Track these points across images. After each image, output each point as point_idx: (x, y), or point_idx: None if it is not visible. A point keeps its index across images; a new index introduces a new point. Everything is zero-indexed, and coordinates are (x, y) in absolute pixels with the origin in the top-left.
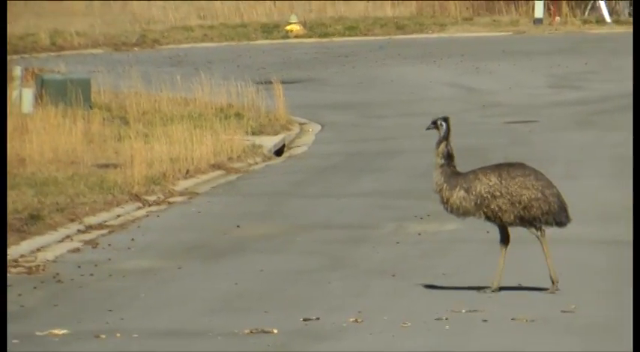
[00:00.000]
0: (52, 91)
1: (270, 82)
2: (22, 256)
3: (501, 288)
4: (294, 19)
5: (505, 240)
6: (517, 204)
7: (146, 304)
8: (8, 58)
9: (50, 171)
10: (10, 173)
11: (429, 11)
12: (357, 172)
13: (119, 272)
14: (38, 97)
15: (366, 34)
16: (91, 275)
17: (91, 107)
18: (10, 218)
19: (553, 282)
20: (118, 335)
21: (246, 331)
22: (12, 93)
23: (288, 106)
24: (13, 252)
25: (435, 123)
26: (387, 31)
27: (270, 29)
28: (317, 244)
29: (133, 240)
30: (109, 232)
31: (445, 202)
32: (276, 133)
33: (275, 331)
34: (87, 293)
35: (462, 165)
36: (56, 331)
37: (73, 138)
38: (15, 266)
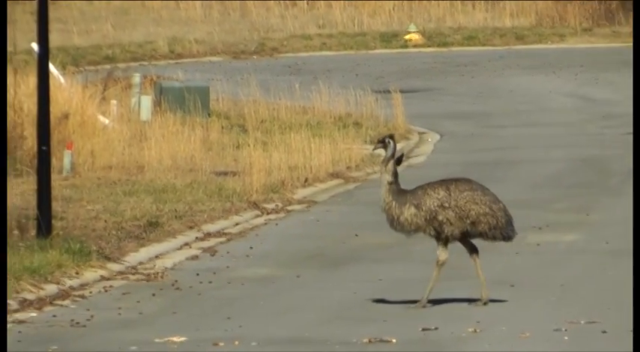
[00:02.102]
0: (170, 99)
1: (389, 91)
2: (140, 263)
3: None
4: (413, 28)
5: (473, 251)
6: (465, 219)
7: (265, 312)
8: (127, 65)
9: (169, 178)
10: (129, 180)
11: (548, 22)
12: None
13: (238, 280)
14: (156, 105)
15: (485, 44)
16: (210, 282)
17: (209, 115)
18: (129, 225)
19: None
20: (237, 342)
21: (365, 340)
22: (130, 101)
23: (406, 116)
24: (131, 259)
25: (383, 141)
26: (506, 41)
27: (389, 38)
28: (435, 254)
29: (251, 248)
30: (228, 240)
31: (395, 219)
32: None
33: (394, 340)
34: (205, 300)
35: (581, 176)
36: (175, 338)
37: (192, 145)
38: (134, 274)
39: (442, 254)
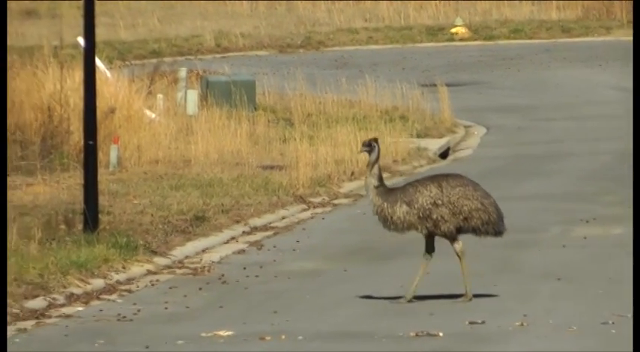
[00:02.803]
0: (216, 93)
1: (435, 85)
2: (187, 258)
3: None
4: (459, 21)
5: (431, 250)
6: (458, 215)
7: (311, 306)
8: (173, 59)
9: (215, 172)
10: (176, 174)
11: (594, 14)
12: (523, 175)
13: (284, 274)
14: (203, 99)
15: (531, 37)
16: (256, 276)
17: (255, 109)
18: (175, 219)
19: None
20: (283, 337)
21: (412, 334)
22: (177, 95)
23: (453, 109)
24: (178, 253)
25: (369, 145)
26: (553, 34)
27: (435, 32)
28: (482, 247)
29: (297, 241)
30: (274, 234)
31: (388, 220)
32: (441, 136)
33: (440, 334)
34: (252, 294)
35: (628, 169)
36: (221, 332)
37: (238, 139)
38: (180, 268)
39: (457, 245)
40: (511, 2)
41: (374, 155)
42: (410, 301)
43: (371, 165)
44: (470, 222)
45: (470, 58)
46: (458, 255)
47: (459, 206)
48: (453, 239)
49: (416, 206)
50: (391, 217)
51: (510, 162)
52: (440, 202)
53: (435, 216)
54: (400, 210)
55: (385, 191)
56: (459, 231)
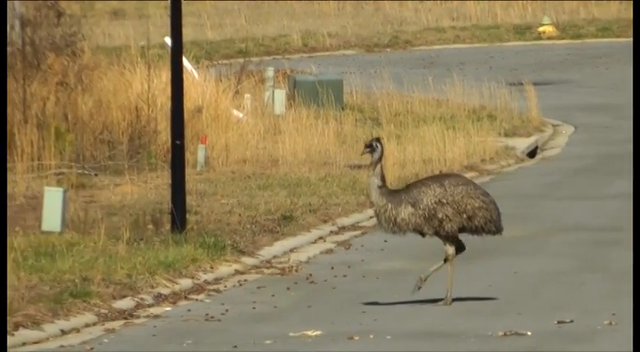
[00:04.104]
0: (304, 92)
1: (523, 84)
2: (275, 257)
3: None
4: (546, 20)
5: (461, 249)
6: (462, 214)
7: (399, 305)
8: (260, 59)
9: (303, 172)
10: (263, 174)
11: None
12: (610, 174)
13: (372, 273)
14: (290, 98)
15: (619, 36)
16: (344, 276)
17: (342, 108)
18: (263, 219)
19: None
20: (372, 336)
21: (500, 333)
22: (264, 95)
23: (540, 108)
24: (265, 253)
25: (370, 146)
26: None
27: (523, 30)
28: (570, 246)
29: (385, 241)
30: (362, 233)
31: (391, 221)
32: (528, 135)
33: (529, 333)
34: (340, 294)
35: None
36: (309, 332)
37: (326, 139)
38: (268, 268)
39: (449, 249)
40: (599, 1)
41: (376, 155)
42: (450, 303)
43: (373, 164)
44: (474, 220)
45: (557, 57)
46: (447, 259)
47: (463, 205)
48: (450, 241)
49: (421, 206)
50: (395, 218)
51: (598, 161)
52: (445, 201)
53: (440, 215)
54: (405, 212)
55: (388, 192)
56: (461, 230)
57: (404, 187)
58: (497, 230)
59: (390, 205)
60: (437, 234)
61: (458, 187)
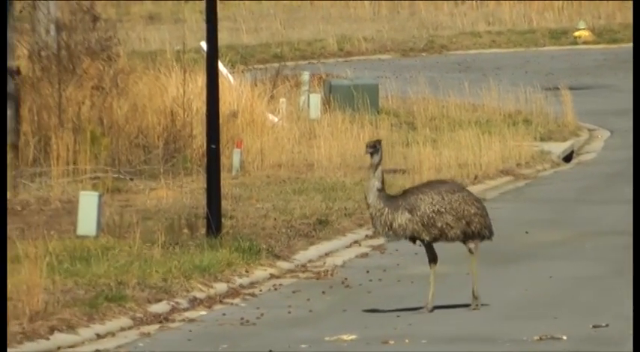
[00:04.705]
0: (339, 97)
1: (559, 88)
2: (310, 261)
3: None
4: (582, 25)
5: (434, 259)
6: (461, 219)
7: (435, 309)
8: (295, 63)
9: (338, 176)
10: (299, 178)
11: None
12: None
13: (407, 277)
14: (325, 103)
15: None
16: (380, 280)
17: (378, 112)
18: (298, 223)
19: (475, 298)
20: (407, 341)
21: (535, 337)
22: (299, 99)
23: (576, 112)
24: (301, 257)
25: (374, 146)
26: None
27: (559, 35)
28: (606, 251)
29: (420, 245)
30: None
31: (388, 225)
32: (564, 139)
33: (564, 337)
34: (375, 298)
35: None
36: (345, 336)
37: (361, 143)
38: (303, 272)
39: (471, 244)
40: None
41: (377, 157)
42: (431, 311)
43: (374, 167)
44: (471, 226)
45: (593, 62)
46: (471, 251)
47: (461, 211)
48: (464, 241)
49: (418, 213)
50: (391, 223)
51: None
52: (443, 210)
53: (439, 224)
54: (402, 218)
55: (386, 196)
56: (465, 234)
57: (401, 193)
58: (491, 235)
59: (387, 209)
60: (435, 240)
61: (455, 194)
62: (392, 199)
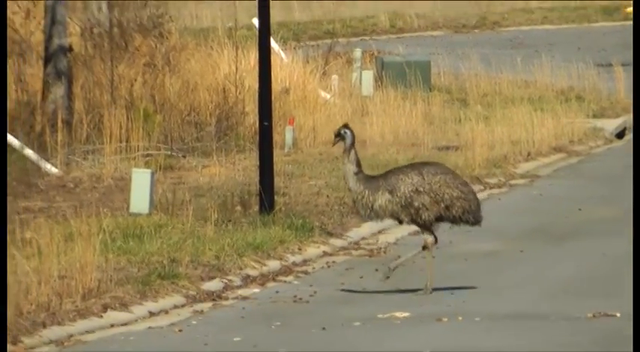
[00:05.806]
0: (391, 73)
1: (611, 65)
2: (363, 239)
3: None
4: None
5: (434, 240)
6: (439, 203)
7: (488, 287)
8: (347, 40)
9: (391, 153)
10: None
11: None
12: None
13: (460, 255)
14: (378, 79)
15: None
16: (433, 257)
17: (430, 89)
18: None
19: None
20: (460, 318)
21: (589, 315)
22: (351, 76)
23: (629, 89)
24: (354, 234)
25: (339, 134)
26: None
27: (611, 11)
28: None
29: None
30: None
31: (368, 208)
32: (617, 116)
33: (618, 315)
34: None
35: None
36: (398, 314)
37: (413, 120)
38: (356, 249)
39: (428, 238)
40: None
41: (348, 141)
42: (430, 293)
43: (347, 151)
44: (451, 210)
45: None
46: (425, 247)
47: (441, 194)
48: (428, 229)
49: (398, 194)
50: (372, 205)
51: None
52: (421, 189)
53: (416, 204)
54: (382, 198)
55: (365, 178)
56: (439, 219)
57: (382, 174)
58: (476, 221)
59: (367, 192)
60: (413, 221)
61: (436, 176)
62: (371, 180)
